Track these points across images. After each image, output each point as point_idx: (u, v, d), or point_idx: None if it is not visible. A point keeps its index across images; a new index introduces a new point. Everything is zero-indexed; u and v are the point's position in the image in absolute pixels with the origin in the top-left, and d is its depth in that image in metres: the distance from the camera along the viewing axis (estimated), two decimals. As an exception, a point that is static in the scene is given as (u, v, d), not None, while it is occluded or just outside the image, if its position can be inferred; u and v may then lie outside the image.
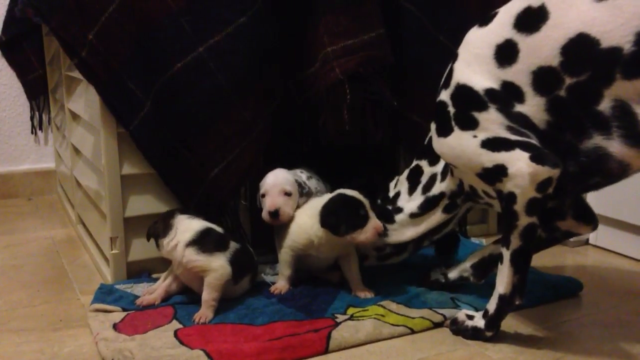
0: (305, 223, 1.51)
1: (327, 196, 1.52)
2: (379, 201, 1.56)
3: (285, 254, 1.53)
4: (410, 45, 1.76)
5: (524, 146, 1.16)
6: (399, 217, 1.50)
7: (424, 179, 1.48)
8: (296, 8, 1.66)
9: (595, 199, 1.86)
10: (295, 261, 1.54)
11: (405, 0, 1.74)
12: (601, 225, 1.90)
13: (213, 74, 1.56)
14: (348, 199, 1.46)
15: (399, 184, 1.54)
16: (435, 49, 1.74)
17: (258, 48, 1.60)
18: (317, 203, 1.51)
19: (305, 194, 1.58)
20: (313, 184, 1.68)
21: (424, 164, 1.49)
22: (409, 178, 1.52)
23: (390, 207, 1.52)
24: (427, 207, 1.46)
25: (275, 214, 1.52)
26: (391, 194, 1.55)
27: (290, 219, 1.54)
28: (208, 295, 1.40)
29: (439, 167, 1.45)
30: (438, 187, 1.45)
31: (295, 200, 1.56)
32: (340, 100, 1.60)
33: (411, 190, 1.49)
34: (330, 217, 1.45)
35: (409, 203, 1.49)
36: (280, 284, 1.54)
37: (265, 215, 1.54)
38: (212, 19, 1.54)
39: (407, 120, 1.80)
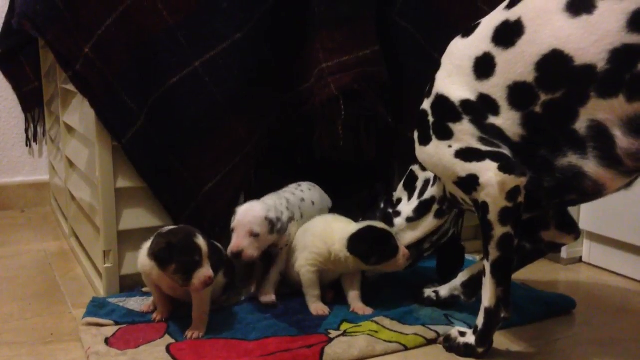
0: (326, 237, 1.50)
1: (350, 223, 1.52)
2: (382, 205, 1.58)
3: (307, 273, 1.51)
4: (404, 62, 1.77)
5: (494, 156, 1.18)
6: (397, 221, 1.53)
7: (419, 184, 1.51)
8: (292, 25, 1.67)
9: (589, 217, 1.88)
10: (319, 277, 1.52)
11: (400, 18, 1.75)
12: (594, 243, 1.91)
13: (208, 89, 1.57)
14: (380, 233, 1.47)
15: (399, 191, 1.57)
16: (430, 65, 1.73)
17: (253, 64, 1.62)
18: (342, 227, 1.50)
19: (277, 231, 1.51)
20: (311, 197, 1.67)
21: (416, 168, 1.52)
22: (405, 184, 1.55)
23: (391, 211, 1.54)
24: (421, 211, 1.49)
25: (237, 255, 1.47)
26: (394, 199, 1.57)
27: (255, 259, 1.50)
28: (199, 310, 1.39)
29: (431, 172, 1.47)
30: (430, 192, 1.48)
31: (264, 240, 1.49)
32: (335, 116, 1.61)
33: (410, 196, 1.53)
34: (361, 248, 1.46)
35: (407, 207, 1.52)
36: (319, 306, 1.50)
37: (228, 252, 1.48)
38: (209, 35, 1.55)
39: (402, 137, 1.81)
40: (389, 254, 1.47)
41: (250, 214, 1.49)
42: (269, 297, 1.53)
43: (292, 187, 1.70)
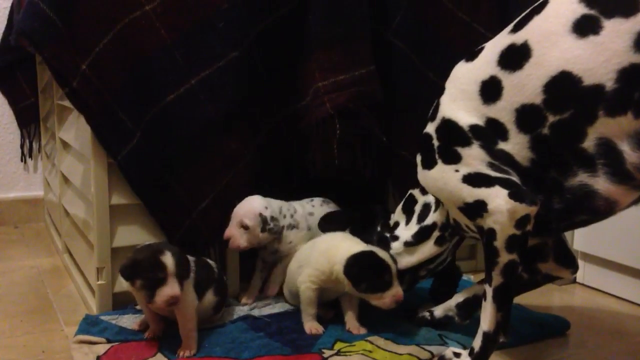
0: (330, 256, 1.48)
1: (358, 244, 1.50)
2: (378, 228, 1.56)
3: (307, 290, 1.49)
4: (400, 81, 1.78)
5: (504, 183, 1.17)
6: (394, 245, 1.51)
7: (418, 208, 1.49)
8: (288, 43, 1.68)
9: (583, 238, 1.88)
10: (318, 296, 1.50)
11: (396, 38, 1.77)
12: (589, 264, 1.91)
13: (203, 106, 1.58)
14: (378, 261, 1.43)
15: (397, 214, 1.55)
16: (425, 85, 1.76)
17: (248, 81, 1.62)
18: (348, 246, 1.48)
19: (269, 230, 1.58)
20: (322, 212, 1.71)
21: (416, 192, 1.51)
22: (404, 207, 1.53)
23: (388, 235, 1.52)
24: (420, 237, 1.47)
25: (226, 242, 1.60)
26: (392, 222, 1.55)
27: (243, 249, 1.59)
28: (184, 328, 1.38)
29: (432, 197, 1.46)
30: (431, 218, 1.46)
31: (254, 234, 1.57)
32: (330, 135, 1.62)
33: (408, 220, 1.51)
34: (354, 270, 1.43)
35: (405, 232, 1.50)
36: (313, 325, 1.49)
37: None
38: (205, 53, 1.56)
39: (397, 156, 1.81)
40: (379, 287, 1.42)
41: (245, 207, 1.59)
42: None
43: (304, 201, 1.75)
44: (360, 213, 1.64)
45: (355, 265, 1.43)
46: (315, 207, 1.74)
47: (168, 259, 1.30)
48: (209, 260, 1.54)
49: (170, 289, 1.29)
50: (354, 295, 1.49)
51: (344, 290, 1.49)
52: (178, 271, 1.31)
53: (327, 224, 1.65)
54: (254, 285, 1.70)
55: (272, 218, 1.58)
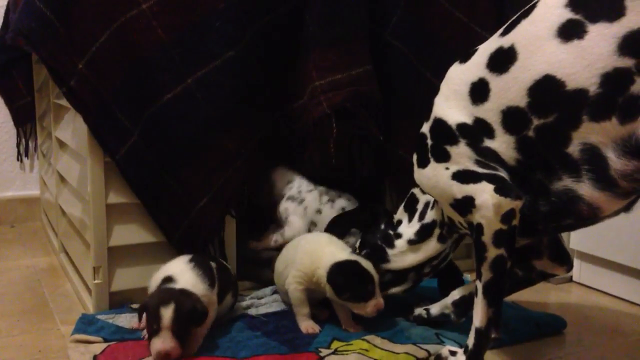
0: (315, 258, 1.49)
1: (342, 250, 1.50)
2: (382, 226, 1.57)
3: (295, 291, 1.50)
4: (397, 81, 1.78)
5: (490, 178, 1.18)
6: (398, 243, 1.51)
7: (420, 207, 1.50)
8: (285, 43, 1.68)
9: (579, 237, 1.89)
10: (307, 295, 1.51)
11: (393, 38, 1.77)
12: (585, 263, 1.92)
13: (201, 106, 1.58)
14: (362, 271, 1.44)
15: (399, 213, 1.56)
16: (422, 85, 1.76)
17: (245, 81, 1.62)
18: (332, 252, 1.48)
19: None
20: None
21: (417, 191, 1.52)
22: (405, 206, 1.54)
23: (392, 232, 1.53)
24: (423, 234, 1.47)
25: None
26: (394, 221, 1.56)
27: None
28: (197, 333, 1.37)
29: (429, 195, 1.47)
30: (430, 215, 1.47)
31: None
32: (327, 134, 1.62)
33: (410, 218, 1.52)
34: (338, 279, 1.44)
35: (408, 229, 1.51)
36: (309, 324, 1.49)
37: None
38: (202, 52, 1.56)
39: (394, 155, 1.81)
40: (362, 296, 1.43)
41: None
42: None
43: (324, 198, 1.83)
44: (365, 213, 1.64)
45: (340, 274, 1.44)
46: (330, 194, 1.83)
47: (167, 312, 1.26)
48: (225, 263, 1.54)
49: (162, 343, 1.25)
50: (335, 301, 1.49)
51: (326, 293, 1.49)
52: (174, 326, 1.26)
53: (336, 227, 1.65)
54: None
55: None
